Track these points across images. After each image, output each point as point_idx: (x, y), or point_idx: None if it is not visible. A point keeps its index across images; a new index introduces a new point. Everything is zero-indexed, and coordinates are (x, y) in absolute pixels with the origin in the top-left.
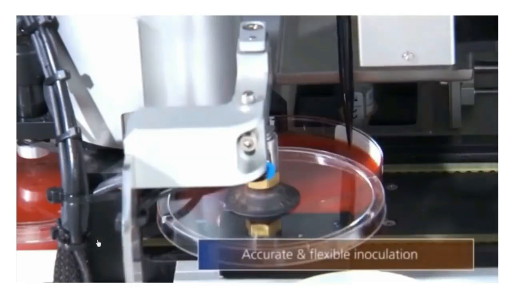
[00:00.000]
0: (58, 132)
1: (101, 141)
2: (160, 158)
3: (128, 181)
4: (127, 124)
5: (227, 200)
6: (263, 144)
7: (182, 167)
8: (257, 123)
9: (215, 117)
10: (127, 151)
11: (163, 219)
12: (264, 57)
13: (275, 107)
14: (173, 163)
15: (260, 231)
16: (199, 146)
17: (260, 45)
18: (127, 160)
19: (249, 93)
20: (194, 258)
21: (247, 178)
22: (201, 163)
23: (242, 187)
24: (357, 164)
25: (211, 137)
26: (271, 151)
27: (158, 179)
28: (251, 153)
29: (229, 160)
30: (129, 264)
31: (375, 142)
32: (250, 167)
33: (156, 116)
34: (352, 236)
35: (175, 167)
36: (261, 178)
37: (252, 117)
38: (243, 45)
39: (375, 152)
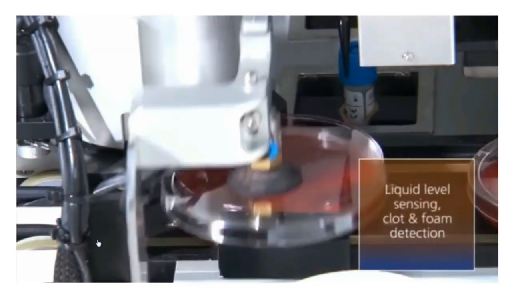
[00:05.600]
0: (58, 132)
1: (101, 141)
2: (164, 137)
3: (133, 160)
4: (132, 102)
5: (230, 183)
6: (266, 123)
7: (186, 146)
8: (260, 103)
9: (218, 97)
10: (132, 130)
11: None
12: (267, 38)
13: (275, 107)
14: (177, 142)
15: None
16: (202, 125)
17: (263, 26)
18: (131, 139)
19: (252, 72)
20: (194, 258)
21: (251, 157)
22: (205, 142)
23: (245, 168)
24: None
25: (214, 116)
26: (273, 132)
27: (162, 158)
28: (254, 132)
29: (232, 139)
30: (134, 243)
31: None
32: (253, 146)
33: (160, 95)
34: None
35: (179, 146)
36: (264, 158)
37: (255, 96)
38: (246, 26)
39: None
